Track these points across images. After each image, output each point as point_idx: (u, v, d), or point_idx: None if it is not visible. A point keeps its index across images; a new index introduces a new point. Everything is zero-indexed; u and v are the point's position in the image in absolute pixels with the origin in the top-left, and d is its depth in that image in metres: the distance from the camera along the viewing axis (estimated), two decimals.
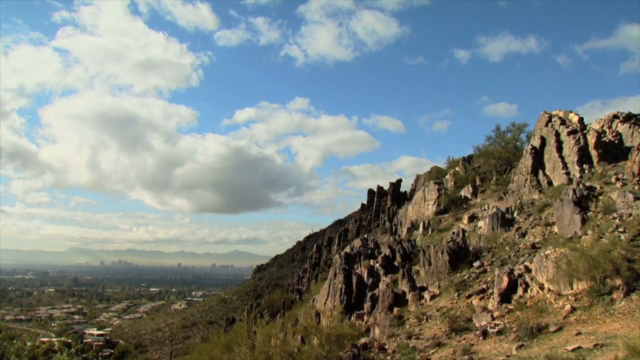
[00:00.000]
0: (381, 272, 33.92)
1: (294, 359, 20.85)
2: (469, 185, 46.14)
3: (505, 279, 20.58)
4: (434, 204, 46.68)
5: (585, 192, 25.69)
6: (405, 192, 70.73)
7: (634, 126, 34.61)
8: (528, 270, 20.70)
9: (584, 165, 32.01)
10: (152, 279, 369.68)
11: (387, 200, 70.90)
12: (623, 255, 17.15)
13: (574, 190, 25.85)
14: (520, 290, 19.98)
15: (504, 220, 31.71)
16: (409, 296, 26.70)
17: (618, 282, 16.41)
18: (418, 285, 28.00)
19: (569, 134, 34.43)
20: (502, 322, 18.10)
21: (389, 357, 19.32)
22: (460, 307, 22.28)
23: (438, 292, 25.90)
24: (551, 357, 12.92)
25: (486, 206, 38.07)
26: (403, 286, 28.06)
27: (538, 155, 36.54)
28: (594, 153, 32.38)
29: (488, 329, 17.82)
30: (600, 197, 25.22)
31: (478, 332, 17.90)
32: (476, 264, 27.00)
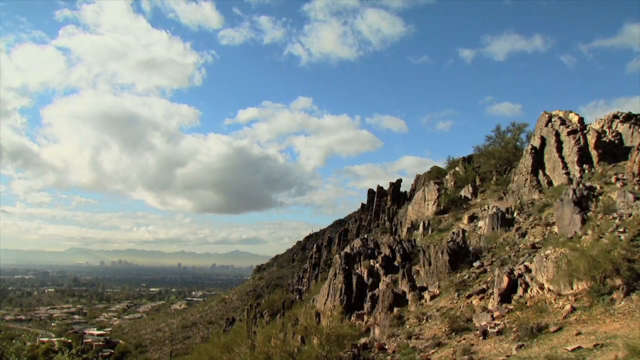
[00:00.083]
0: (381, 272, 33.92)
1: (294, 359, 20.85)
2: (469, 185, 46.15)
3: (505, 279, 20.58)
4: (434, 204, 46.68)
5: (585, 192, 25.69)
6: (405, 192, 70.74)
7: (634, 126, 34.61)
8: (528, 270, 20.70)
9: (584, 165, 32.01)
10: (152, 279, 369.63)
11: (387, 200, 70.90)
12: (623, 255, 17.14)
13: (574, 190, 25.86)
14: (520, 290, 19.98)
15: (504, 220, 31.71)
16: (409, 296, 26.70)
17: (618, 282, 16.40)
18: (418, 285, 27.99)
19: (569, 134, 34.43)
20: (502, 322, 18.09)
21: (389, 357, 19.31)
22: (460, 307, 22.28)
23: (438, 292, 25.89)
24: (551, 357, 12.91)
25: (486, 206, 38.08)
26: (403, 286, 28.06)
27: (538, 155, 36.54)
28: (594, 153, 32.39)
29: (488, 329, 17.82)
30: (600, 197, 25.21)
31: (478, 332, 17.89)
32: (476, 264, 27.00)
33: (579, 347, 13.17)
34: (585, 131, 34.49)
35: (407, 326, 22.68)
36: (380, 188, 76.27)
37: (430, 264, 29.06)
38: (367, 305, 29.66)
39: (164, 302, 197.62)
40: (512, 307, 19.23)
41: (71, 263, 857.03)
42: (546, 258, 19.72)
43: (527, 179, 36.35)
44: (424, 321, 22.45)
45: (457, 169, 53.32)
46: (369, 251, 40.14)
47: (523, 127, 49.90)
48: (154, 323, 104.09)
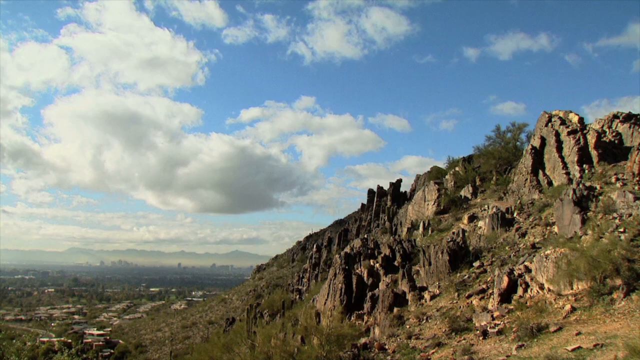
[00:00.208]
0: (381, 272, 33.92)
1: (294, 359, 20.84)
2: (469, 185, 46.15)
3: (505, 279, 20.59)
4: (434, 204, 46.69)
5: (585, 192, 25.70)
6: (405, 192, 70.73)
7: (634, 126, 34.63)
8: (528, 270, 20.70)
9: (584, 165, 32.02)
10: (152, 279, 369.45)
11: (387, 200, 70.88)
12: (623, 255, 17.15)
13: (574, 190, 25.87)
14: (520, 290, 19.98)
15: (504, 220, 31.73)
16: (409, 296, 26.70)
17: (618, 282, 16.41)
18: (418, 285, 28.00)
19: (569, 134, 34.45)
20: (502, 322, 18.09)
21: (389, 357, 19.30)
22: (460, 307, 22.29)
23: (438, 292, 25.90)
24: (551, 357, 12.91)
25: (486, 206, 38.09)
26: (403, 286, 28.06)
27: (538, 155, 36.55)
28: (594, 153, 32.40)
29: (488, 329, 17.82)
30: (600, 197, 25.23)
31: (478, 332, 17.89)
32: (476, 264, 27.01)
33: (579, 347, 13.17)
34: (585, 131, 34.51)
35: (407, 326, 22.68)
36: (380, 188, 76.23)
37: (430, 264, 29.06)
38: (367, 305, 29.66)
39: (164, 302, 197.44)
40: (512, 307, 19.23)
41: (71, 263, 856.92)
42: (546, 258, 19.73)
43: (527, 179, 36.35)
44: (424, 321, 22.45)
45: (457, 169, 53.32)
46: (369, 251, 40.14)
47: (523, 127, 50.01)
48: (154, 323, 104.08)
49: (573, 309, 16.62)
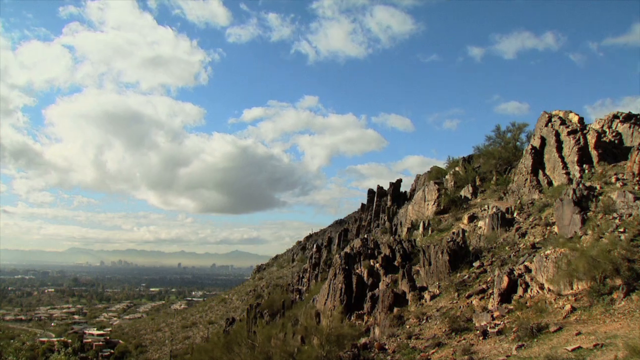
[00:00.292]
0: (381, 272, 33.92)
1: (294, 359, 20.84)
2: (469, 185, 46.14)
3: (505, 279, 20.58)
4: (434, 204, 46.68)
5: (585, 192, 25.70)
6: (405, 192, 70.66)
7: (634, 126, 34.62)
8: (528, 270, 20.70)
9: (584, 165, 32.01)
10: (152, 279, 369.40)
11: (387, 200, 70.84)
12: (623, 255, 17.15)
13: (574, 190, 25.87)
14: (520, 290, 19.98)
15: (504, 220, 31.72)
16: (409, 296, 26.70)
17: (618, 282, 16.41)
18: (418, 285, 27.99)
19: (569, 134, 34.43)
20: (502, 322, 18.09)
21: (389, 357, 19.29)
22: (460, 307, 22.28)
23: (438, 292, 25.89)
24: (551, 357, 12.90)
25: (486, 206, 38.08)
26: (403, 286, 28.06)
27: (538, 155, 36.54)
28: (594, 153, 32.39)
29: (488, 329, 17.81)
30: (600, 197, 25.23)
31: (478, 332, 17.89)
32: (476, 264, 27.01)
33: (579, 347, 13.16)
34: (585, 131, 34.50)
35: (407, 326, 22.68)
36: (380, 188, 76.17)
37: (430, 264, 29.06)
38: (367, 305, 29.66)
39: (164, 302, 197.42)
40: (512, 307, 19.23)
41: (71, 263, 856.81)
42: (546, 258, 19.72)
43: (527, 179, 36.34)
44: (424, 321, 22.44)
45: (457, 169, 53.31)
46: (369, 251, 40.14)
47: (523, 127, 49.97)
48: (154, 323, 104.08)
49: (573, 309, 16.62)
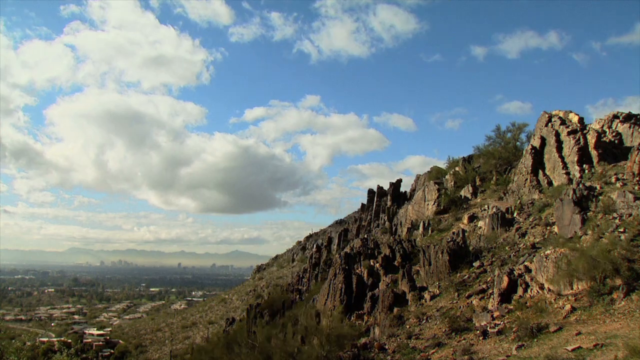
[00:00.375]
0: (381, 272, 33.93)
1: (294, 359, 20.84)
2: (469, 185, 46.15)
3: (505, 279, 20.59)
4: (434, 204, 46.69)
5: (585, 192, 25.71)
6: (405, 192, 70.67)
7: (634, 126, 34.64)
8: (528, 270, 20.70)
9: (584, 165, 32.02)
10: (152, 279, 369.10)
11: (387, 200, 70.84)
12: (623, 255, 17.16)
13: (574, 190, 25.88)
14: (520, 290, 19.99)
15: (504, 220, 31.72)
16: (409, 296, 26.70)
17: (618, 282, 16.41)
18: (418, 285, 28.00)
19: (569, 134, 34.44)
20: (502, 322, 18.09)
21: (389, 357, 19.30)
22: (460, 307, 22.29)
23: (438, 292, 25.90)
24: (551, 357, 12.91)
25: (486, 206, 38.08)
26: (403, 286, 28.06)
27: (538, 155, 36.55)
28: (594, 153, 32.40)
29: (488, 329, 17.82)
30: (600, 197, 25.24)
31: (478, 332, 17.89)
32: (476, 264, 27.01)
33: (579, 347, 13.17)
34: (585, 131, 34.51)
35: (407, 326, 22.68)
36: (380, 188, 76.17)
37: (430, 264, 29.06)
38: (367, 305, 29.66)
39: (164, 302, 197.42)
40: (512, 307, 19.24)
41: (71, 263, 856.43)
42: (546, 258, 19.72)
43: (527, 179, 36.35)
44: (424, 321, 22.45)
45: (457, 169, 53.33)
46: (369, 251, 40.15)
47: (523, 127, 50.00)
48: (154, 323, 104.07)
49: (573, 309, 16.62)
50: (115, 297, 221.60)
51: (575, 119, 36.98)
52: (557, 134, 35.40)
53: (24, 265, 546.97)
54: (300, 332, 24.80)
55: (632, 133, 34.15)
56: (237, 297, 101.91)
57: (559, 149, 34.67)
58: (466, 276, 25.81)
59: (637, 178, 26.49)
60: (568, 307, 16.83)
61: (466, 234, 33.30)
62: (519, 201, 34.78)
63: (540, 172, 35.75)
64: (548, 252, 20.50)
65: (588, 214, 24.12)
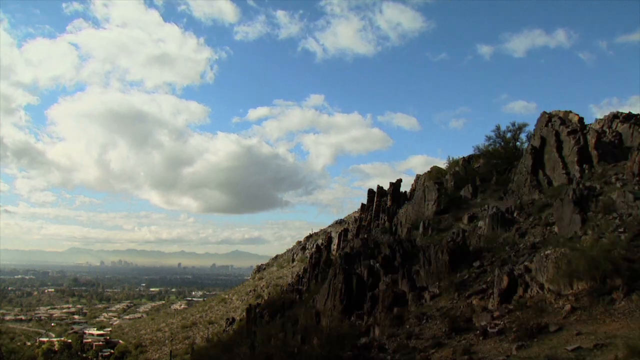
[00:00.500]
0: (381, 272, 33.89)
1: (294, 359, 20.85)
2: (469, 185, 46.15)
3: (505, 279, 20.58)
4: (434, 204, 46.68)
5: (585, 192, 25.71)
6: (406, 192, 70.70)
7: (634, 126, 34.67)
8: (528, 270, 20.69)
9: (584, 165, 32.04)
10: (152, 279, 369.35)
11: (387, 200, 70.86)
12: (623, 255, 17.16)
13: (574, 190, 25.88)
14: (520, 290, 19.98)
15: (504, 220, 31.70)
16: (409, 296, 26.68)
17: (618, 282, 16.41)
18: (418, 285, 27.98)
19: (569, 134, 34.46)
20: (502, 322, 18.08)
21: (389, 357, 19.29)
22: (460, 307, 22.28)
23: (438, 292, 25.88)
24: (551, 357, 12.92)
25: (486, 206, 38.07)
26: (403, 286, 28.05)
27: (538, 155, 36.56)
28: (594, 153, 32.43)
29: (488, 329, 17.81)
30: (600, 197, 25.25)
31: (478, 332, 17.88)
32: (476, 264, 26.99)
33: (579, 347, 13.17)
34: (585, 131, 34.55)
35: (407, 326, 22.67)
36: (380, 188, 76.21)
37: (430, 264, 29.05)
38: (367, 305, 29.63)
39: (164, 302, 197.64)
40: (512, 307, 19.22)
41: (71, 263, 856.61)
42: (546, 258, 19.72)
43: (527, 179, 36.37)
44: (424, 321, 22.43)
45: (457, 169, 53.34)
46: (369, 251, 40.12)
47: (523, 127, 49.96)
48: (154, 323, 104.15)
49: (573, 309, 16.61)
50: (115, 297, 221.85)
51: (575, 119, 37.01)
52: (557, 134, 35.42)
53: (24, 265, 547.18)
54: (300, 332, 24.81)
55: (632, 133, 34.18)
56: (237, 297, 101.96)
57: (559, 149, 34.69)
58: (466, 276, 25.80)
59: (637, 178, 26.50)
60: (568, 307, 16.82)
61: (466, 234, 33.28)
62: (519, 201, 34.79)
63: (540, 172, 35.77)
64: (548, 252, 20.49)
65: (588, 214, 24.13)
